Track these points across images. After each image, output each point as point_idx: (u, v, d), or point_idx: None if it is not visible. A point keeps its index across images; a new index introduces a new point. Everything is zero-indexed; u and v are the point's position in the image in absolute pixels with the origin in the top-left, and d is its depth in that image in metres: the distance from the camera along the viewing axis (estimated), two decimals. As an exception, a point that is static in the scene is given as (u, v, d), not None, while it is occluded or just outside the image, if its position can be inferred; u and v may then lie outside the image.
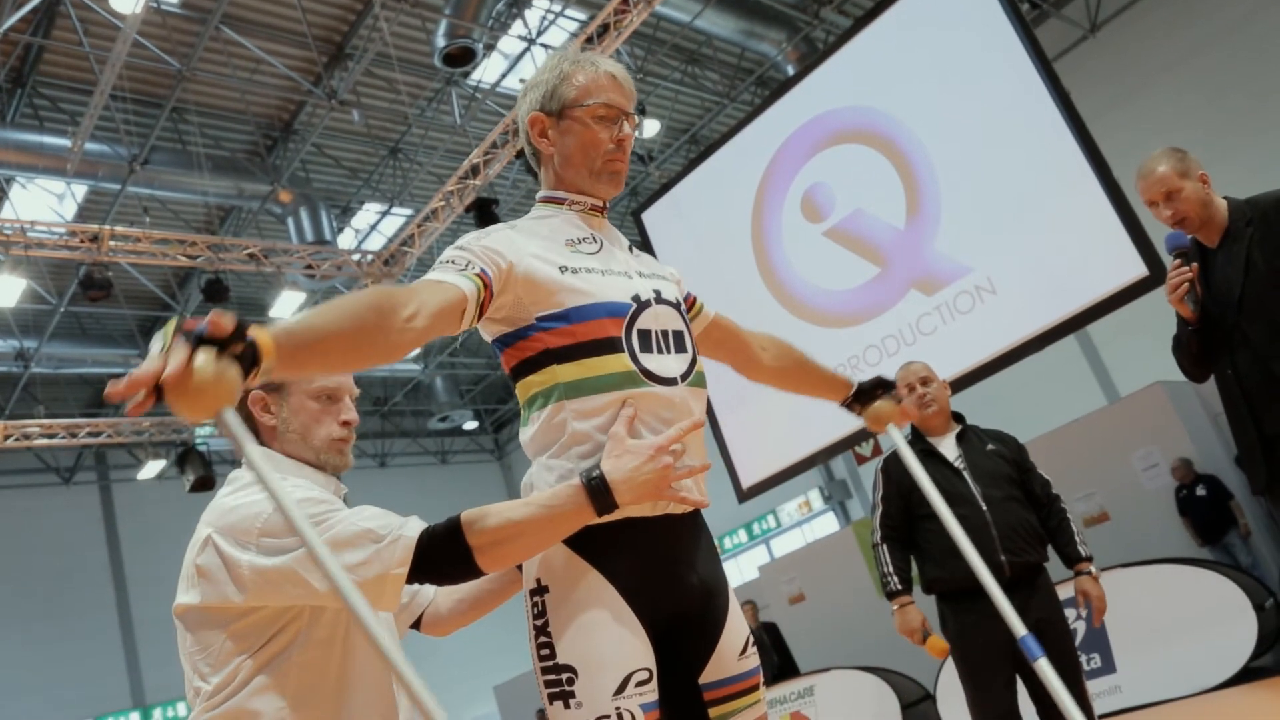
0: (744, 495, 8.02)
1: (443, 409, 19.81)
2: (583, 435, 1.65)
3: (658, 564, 1.67)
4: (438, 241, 12.64)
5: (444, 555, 1.53)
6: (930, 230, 6.93)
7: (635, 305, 1.72)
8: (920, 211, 7.02)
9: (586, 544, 1.62)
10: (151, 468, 15.68)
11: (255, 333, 1.24)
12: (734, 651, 1.74)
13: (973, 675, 3.32)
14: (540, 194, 1.89)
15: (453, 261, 1.65)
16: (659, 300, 1.77)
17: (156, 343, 1.19)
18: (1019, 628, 2.05)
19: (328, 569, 1.28)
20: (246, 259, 11.96)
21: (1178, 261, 2.83)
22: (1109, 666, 6.18)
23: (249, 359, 1.23)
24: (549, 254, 1.72)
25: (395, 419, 21.33)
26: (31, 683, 15.11)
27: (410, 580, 1.54)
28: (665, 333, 1.75)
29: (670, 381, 1.71)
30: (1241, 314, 2.74)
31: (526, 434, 1.73)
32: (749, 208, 8.14)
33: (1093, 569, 3.40)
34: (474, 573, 1.56)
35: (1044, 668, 1.97)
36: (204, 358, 1.17)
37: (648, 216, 9.08)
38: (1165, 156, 2.86)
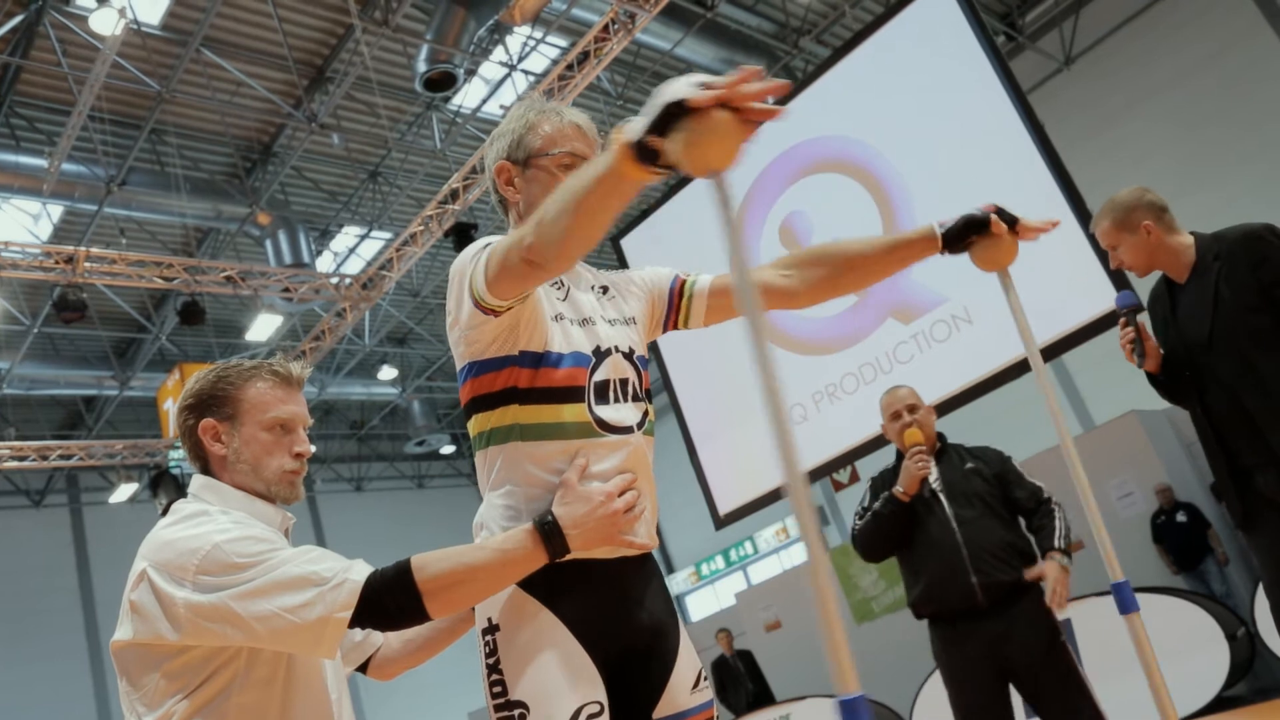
0: (721, 522, 7.99)
1: (420, 433, 19.69)
2: (534, 478, 1.69)
3: (607, 603, 1.69)
4: (416, 266, 12.61)
5: (392, 599, 1.52)
6: (907, 259, 6.99)
7: (595, 358, 1.77)
8: (897, 240, 7.08)
9: (537, 584, 1.65)
10: (123, 491, 15.49)
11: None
12: (686, 687, 1.76)
13: (960, 694, 3.33)
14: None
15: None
16: (616, 350, 1.81)
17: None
18: None
19: (266, 608, 1.25)
20: (224, 281, 11.89)
21: (1123, 321, 2.91)
22: (1084, 695, 6.19)
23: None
24: (545, 295, 1.78)
25: (372, 443, 21.19)
26: (-4, 709, 14.87)
27: (356, 625, 1.52)
28: (623, 381, 1.79)
29: (626, 430, 1.75)
30: (1211, 348, 2.77)
31: (479, 466, 1.77)
32: (728, 235, 8.17)
33: (1061, 560, 3.22)
34: (422, 617, 1.55)
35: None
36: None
37: (626, 243, 9.09)
38: (1108, 211, 2.91)
